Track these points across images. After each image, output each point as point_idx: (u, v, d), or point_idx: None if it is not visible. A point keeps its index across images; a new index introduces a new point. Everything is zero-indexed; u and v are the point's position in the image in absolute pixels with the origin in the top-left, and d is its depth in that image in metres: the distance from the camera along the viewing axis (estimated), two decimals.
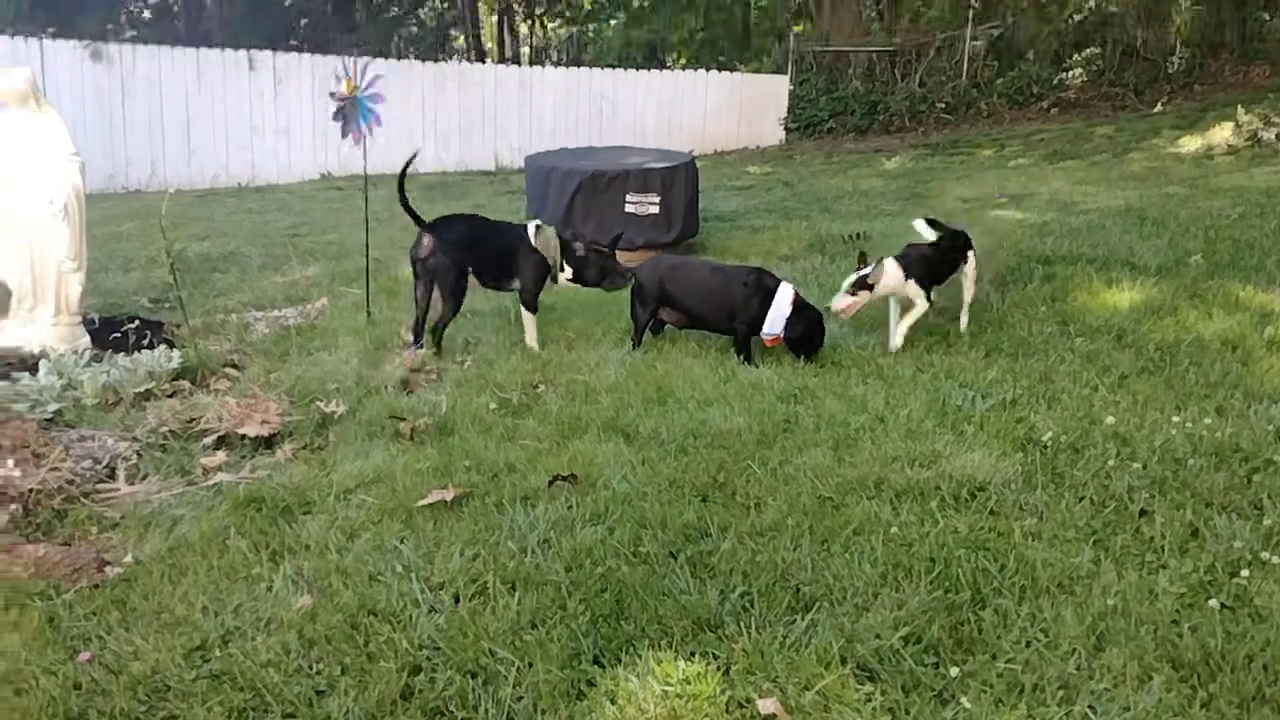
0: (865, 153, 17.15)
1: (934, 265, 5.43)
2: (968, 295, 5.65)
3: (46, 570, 3.20)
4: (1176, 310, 5.72)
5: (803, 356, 5.20)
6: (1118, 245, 7.49)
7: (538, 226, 5.69)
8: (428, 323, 5.57)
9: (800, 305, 5.18)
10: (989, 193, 11.02)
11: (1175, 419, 4.17)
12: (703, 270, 5.68)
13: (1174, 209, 9.02)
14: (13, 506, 3.50)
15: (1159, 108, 17.68)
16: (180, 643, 2.83)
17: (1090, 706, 2.48)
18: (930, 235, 5.57)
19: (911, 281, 5.30)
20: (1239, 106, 13.86)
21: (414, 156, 5.99)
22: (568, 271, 5.67)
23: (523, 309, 5.67)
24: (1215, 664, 2.61)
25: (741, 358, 5.23)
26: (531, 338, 5.65)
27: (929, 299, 5.34)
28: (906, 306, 5.38)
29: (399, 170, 5.75)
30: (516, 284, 5.68)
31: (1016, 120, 19.00)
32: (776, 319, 5.16)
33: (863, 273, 5.21)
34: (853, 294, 5.21)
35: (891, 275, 5.27)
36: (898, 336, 5.31)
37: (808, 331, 5.20)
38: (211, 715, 2.52)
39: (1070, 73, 20.51)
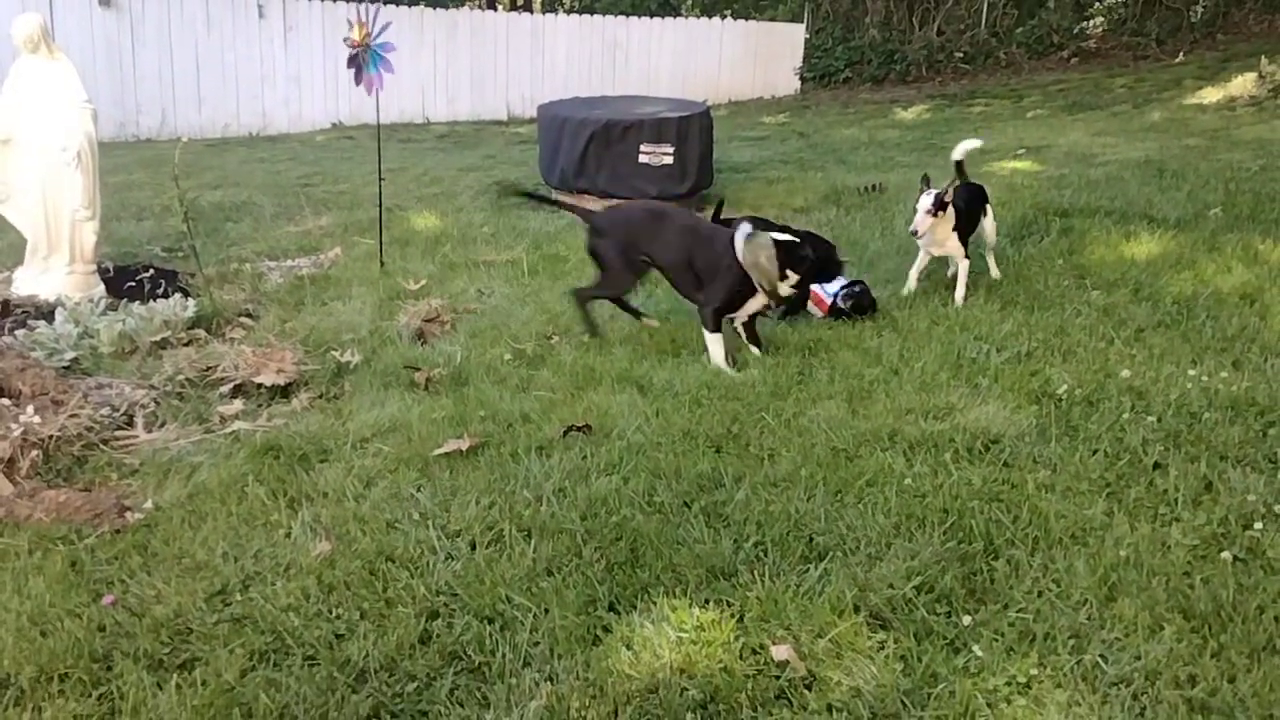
0: (881, 103, 16.94)
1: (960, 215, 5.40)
2: (990, 239, 5.76)
3: (68, 515, 3.25)
4: (1195, 263, 5.67)
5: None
6: (1136, 198, 7.41)
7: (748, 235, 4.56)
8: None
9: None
10: (1007, 144, 10.89)
11: (1191, 372, 4.16)
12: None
13: (1194, 161, 8.90)
14: (34, 452, 3.54)
15: (1181, 58, 17.38)
16: (202, 587, 2.87)
17: (1101, 655, 2.50)
18: None
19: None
20: (1262, 57, 13.59)
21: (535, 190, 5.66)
22: (791, 278, 4.55)
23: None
24: (1226, 615, 2.62)
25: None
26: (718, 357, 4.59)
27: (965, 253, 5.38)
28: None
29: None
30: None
31: (1036, 70, 18.70)
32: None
33: (937, 191, 5.15)
34: (933, 214, 5.13)
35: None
36: (959, 293, 5.33)
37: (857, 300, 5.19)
38: (233, 657, 2.56)
39: (1091, 21, 20.16)
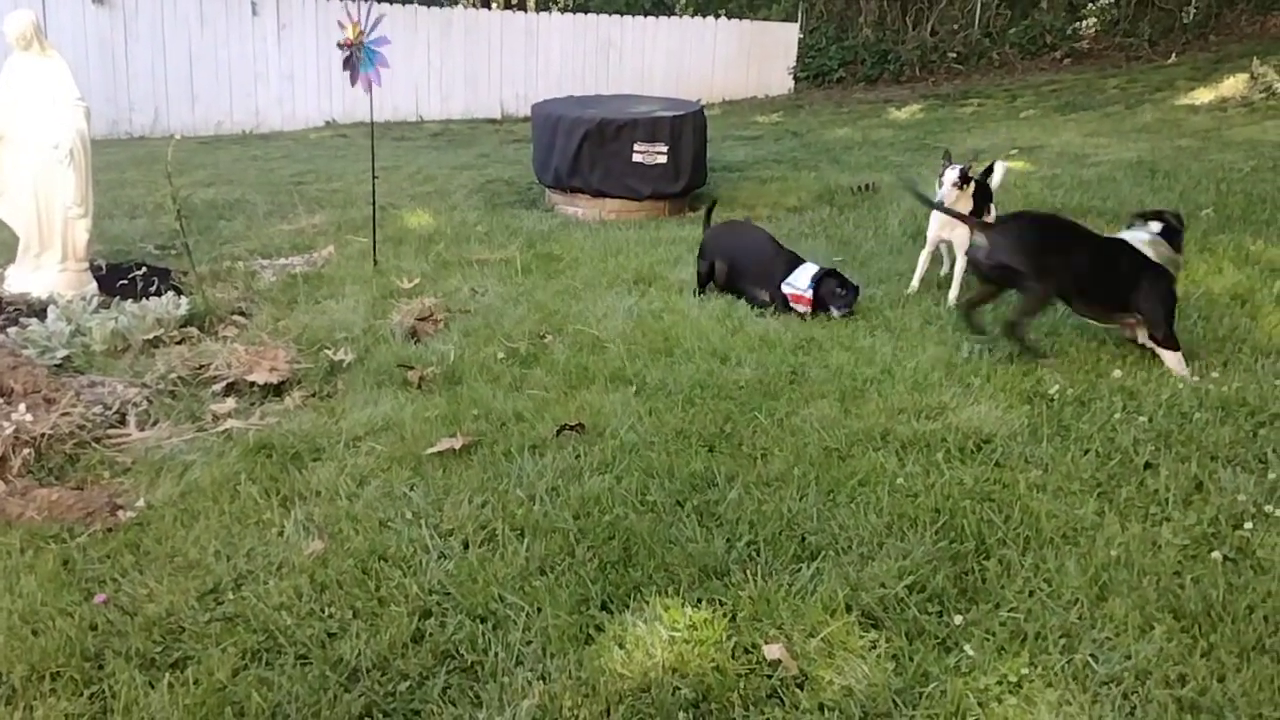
0: (875, 103, 16.95)
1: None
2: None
3: (60, 514, 3.24)
4: (1186, 264, 5.68)
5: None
6: (1128, 198, 7.42)
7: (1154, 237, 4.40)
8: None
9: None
10: (999, 144, 10.91)
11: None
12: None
13: (1186, 162, 8.92)
14: (25, 451, 3.53)
15: (1173, 59, 17.41)
16: (194, 585, 2.87)
17: (1092, 655, 2.51)
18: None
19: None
20: (1254, 58, 13.64)
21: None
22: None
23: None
24: (1216, 614, 2.64)
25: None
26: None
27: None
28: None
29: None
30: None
31: (1028, 70, 18.72)
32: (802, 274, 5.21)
33: (962, 167, 5.21)
34: (959, 187, 5.22)
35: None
36: (953, 292, 5.36)
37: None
38: (225, 656, 2.56)
39: (1084, 22, 20.19)
